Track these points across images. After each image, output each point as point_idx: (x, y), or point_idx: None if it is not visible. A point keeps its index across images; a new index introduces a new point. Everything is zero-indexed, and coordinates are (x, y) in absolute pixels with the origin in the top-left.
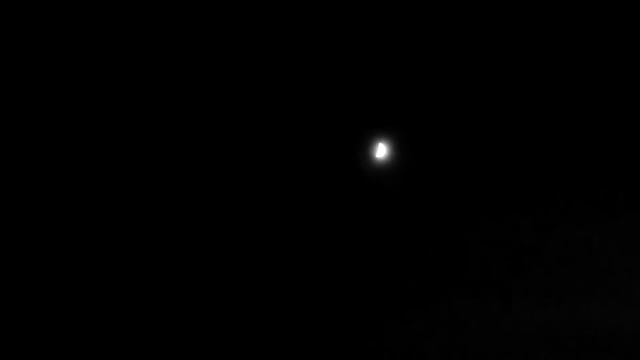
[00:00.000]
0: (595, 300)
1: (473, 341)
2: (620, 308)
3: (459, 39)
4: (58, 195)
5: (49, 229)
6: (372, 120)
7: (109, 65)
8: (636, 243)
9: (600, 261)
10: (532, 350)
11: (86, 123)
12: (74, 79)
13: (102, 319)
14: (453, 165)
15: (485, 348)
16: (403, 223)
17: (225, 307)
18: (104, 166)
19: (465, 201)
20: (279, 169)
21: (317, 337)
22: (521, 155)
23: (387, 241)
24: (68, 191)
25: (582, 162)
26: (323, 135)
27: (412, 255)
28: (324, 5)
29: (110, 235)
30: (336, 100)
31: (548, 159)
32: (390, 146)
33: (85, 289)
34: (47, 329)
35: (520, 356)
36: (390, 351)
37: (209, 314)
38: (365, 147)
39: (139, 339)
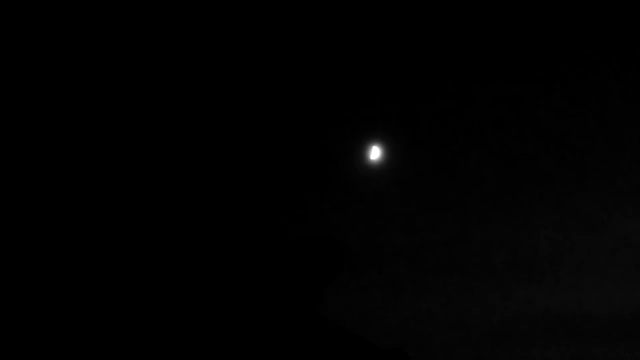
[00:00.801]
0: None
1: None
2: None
3: (453, 44)
4: (58, 194)
5: (49, 229)
6: (367, 122)
7: (109, 65)
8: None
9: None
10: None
11: (86, 123)
12: (75, 79)
13: (102, 319)
14: (447, 165)
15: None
16: (397, 221)
17: (219, 305)
18: (102, 166)
19: (461, 201)
20: (274, 171)
21: (314, 335)
22: (512, 158)
23: (383, 240)
24: (68, 191)
25: (572, 164)
26: (319, 137)
27: (407, 255)
28: (318, 11)
29: (108, 234)
30: (332, 103)
31: (538, 161)
32: (384, 148)
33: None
34: (47, 329)
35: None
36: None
37: (207, 313)
38: (360, 150)
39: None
